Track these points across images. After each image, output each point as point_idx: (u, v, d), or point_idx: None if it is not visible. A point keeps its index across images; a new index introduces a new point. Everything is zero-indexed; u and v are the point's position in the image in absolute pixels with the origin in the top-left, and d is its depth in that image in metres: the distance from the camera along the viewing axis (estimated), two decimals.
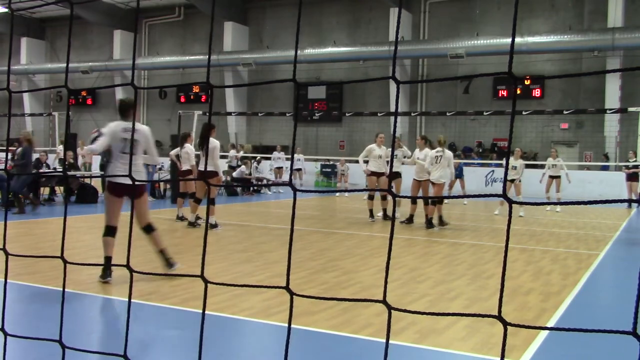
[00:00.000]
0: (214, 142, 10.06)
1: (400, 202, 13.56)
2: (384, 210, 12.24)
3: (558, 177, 15.44)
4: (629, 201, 1.21)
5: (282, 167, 21.34)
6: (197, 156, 11.40)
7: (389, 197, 12.40)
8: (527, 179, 19.41)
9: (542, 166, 17.20)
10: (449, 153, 11.16)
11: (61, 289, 5.49)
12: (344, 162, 22.04)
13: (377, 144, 11.95)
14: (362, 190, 1.67)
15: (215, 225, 10.17)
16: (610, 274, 7.87)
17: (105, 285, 5.74)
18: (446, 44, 22.49)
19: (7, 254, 1.73)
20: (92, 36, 32.10)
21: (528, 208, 15.40)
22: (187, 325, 4.58)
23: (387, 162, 11.91)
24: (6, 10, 25.36)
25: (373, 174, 11.97)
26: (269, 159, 22.27)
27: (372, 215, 12.14)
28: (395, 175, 12.18)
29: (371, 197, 12.37)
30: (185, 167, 10.98)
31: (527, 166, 21.14)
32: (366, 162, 12.06)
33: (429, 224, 11.00)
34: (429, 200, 11.16)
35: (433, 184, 11.13)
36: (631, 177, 17.17)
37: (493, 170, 20.92)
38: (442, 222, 11.14)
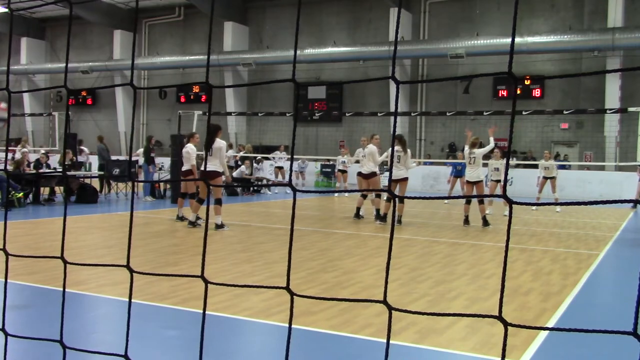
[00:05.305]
0: (219, 143, 10.08)
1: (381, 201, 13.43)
2: (356, 209, 12.43)
3: (552, 178, 15.43)
4: (630, 201, 1.21)
5: (283, 167, 21.31)
6: (200, 156, 11.37)
7: (374, 197, 12.65)
8: (523, 179, 19.43)
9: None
10: (479, 151, 11.83)
11: (61, 289, 5.50)
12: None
13: (362, 145, 12.46)
14: (361, 191, 1.67)
15: (222, 226, 10.03)
16: (610, 274, 7.86)
17: (105, 285, 5.74)
18: (446, 44, 22.48)
19: (7, 254, 1.73)
20: (92, 36, 32.10)
21: (526, 208, 15.40)
22: (187, 325, 4.58)
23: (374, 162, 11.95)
24: (6, 10, 25.33)
25: (358, 174, 12.45)
26: (268, 158, 22.26)
27: (379, 216, 11.90)
28: (371, 175, 11.97)
29: (364, 196, 12.62)
30: (185, 167, 10.94)
31: (526, 166, 21.19)
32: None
33: (485, 222, 11.51)
34: (482, 200, 11.79)
35: (469, 182, 11.79)
36: None
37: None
38: (486, 222, 11.55)
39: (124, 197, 16.09)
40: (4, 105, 7.85)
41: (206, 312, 1.46)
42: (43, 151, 18.08)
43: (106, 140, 19.68)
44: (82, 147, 20.04)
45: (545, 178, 15.47)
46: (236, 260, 7.41)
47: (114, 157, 20.26)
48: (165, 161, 19.15)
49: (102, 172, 16.90)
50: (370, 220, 12.02)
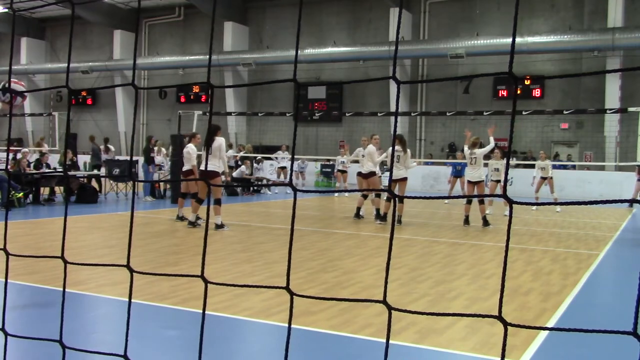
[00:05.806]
0: (219, 140, 10.08)
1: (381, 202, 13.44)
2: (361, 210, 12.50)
3: (549, 178, 15.42)
4: (630, 201, 1.21)
5: (285, 167, 21.31)
6: (200, 156, 11.38)
7: (374, 197, 12.71)
8: (523, 179, 19.41)
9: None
10: (480, 151, 11.95)
11: (61, 289, 5.50)
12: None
13: (362, 145, 12.67)
14: (361, 190, 1.67)
15: (221, 226, 10.02)
16: (610, 274, 7.86)
17: (105, 285, 5.74)
18: (446, 44, 22.48)
19: (7, 254, 1.73)
20: (92, 36, 32.09)
21: (527, 209, 15.41)
22: (187, 325, 4.57)
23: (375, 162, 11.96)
24: (6, 10, 25.36)
25: (358, 174, 12.60)
26: (269, 158, 22.27)
27: (379, 216, 11.88)
28: (371, 175, 11.97)
29: (364, 196, 12.67)
30: (186, 167, 10.93)
31: (526, 166, 21.18)
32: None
33: (485, 222, 11.59)
34: (482, 200, 11.94)
35: (470, 182, 11.90)
36: None
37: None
38: (486, 222, 11.62)
39: (124, 197, 16.08)
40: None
41: (206, 312, 1.46)
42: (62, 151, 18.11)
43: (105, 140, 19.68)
44: (108, 146, 19.92)
45: (543, 178, 15.47)
46: (236, 260, 7.41)
47: (110, 157, 20.21)
48: (164, 161, 19.13)
49: (97, 172, 16.90)
50: (370, 220, 12.02)
